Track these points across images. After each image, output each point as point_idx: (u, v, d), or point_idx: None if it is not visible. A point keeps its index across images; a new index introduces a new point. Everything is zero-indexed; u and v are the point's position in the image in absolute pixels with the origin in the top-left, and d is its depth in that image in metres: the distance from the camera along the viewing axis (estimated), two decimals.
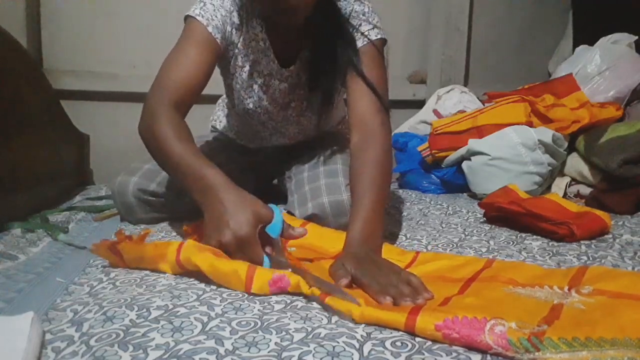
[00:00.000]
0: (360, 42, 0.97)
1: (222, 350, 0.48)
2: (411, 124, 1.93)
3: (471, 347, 0.49)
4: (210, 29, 0.93)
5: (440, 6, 2.14)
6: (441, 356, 0.48)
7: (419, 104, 2.09)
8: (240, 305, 0.60)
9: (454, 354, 0.48)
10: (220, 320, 0.55)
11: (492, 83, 2.20)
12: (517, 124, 1.49)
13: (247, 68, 1.04)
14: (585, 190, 1.41)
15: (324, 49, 0.98)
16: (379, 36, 1.00)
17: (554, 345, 0.46)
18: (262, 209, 0.75)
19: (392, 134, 1.88)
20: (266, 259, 0.71)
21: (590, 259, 0.83)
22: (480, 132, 1.56)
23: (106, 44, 1.84)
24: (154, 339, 0.50)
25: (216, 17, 0.94)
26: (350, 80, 0.95)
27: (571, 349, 0.45)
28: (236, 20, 0.98)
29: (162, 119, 0.85)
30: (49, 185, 1.38)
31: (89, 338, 0.51)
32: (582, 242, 0.94)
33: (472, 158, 1.50)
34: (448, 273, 0.73)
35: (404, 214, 1.25)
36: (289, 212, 1.06)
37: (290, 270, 0.68)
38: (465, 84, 2.18)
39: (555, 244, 0.93)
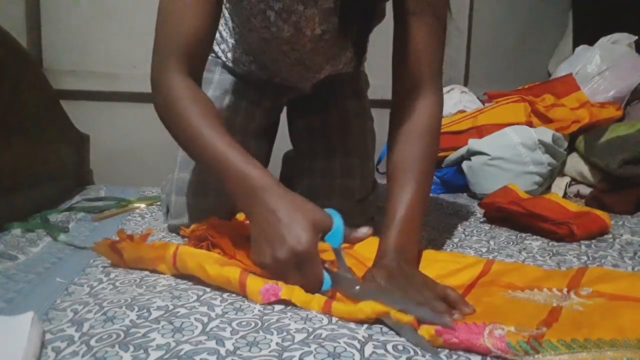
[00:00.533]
0: None
1: (222, 351, 0.48)
2: None
3: (471, 351, 0.49)
4: None
5: None
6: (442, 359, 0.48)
7: None
8: (241, 305, 0.60)
9: (454, 357, 0.48)
10: (221, 320, 0.55)
11: (492, 83, 2.20)
12: (517, 124, 1.50)
13: None
14: (585, 190, 1.41)
15: None
16: None
17: (553, 347, 0.46)
18: (321, 216, 0.62)
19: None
20: (327, 278, 0.61)
21: (590, 259, 0.83)
22: (480, 132, 1.56)
23: (106, 44, 1.84)
24: (154, 339, 0.50)
25: None
26: (411, 19, 0.74)
27: (570, 350, 0.45)
28: None
29: (179, 93, 0.70)
30: (49, 185, 1.38)
31: (90, 338, 0.51)
32: (582, 242, 0.94)
33: (472, 158, 1.50)
34: (447, 279, 0.71)
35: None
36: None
37: (356, 289, 0.59)
38: (465, 84, 2.18)
39: (555, 244, 0.93)
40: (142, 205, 1.27)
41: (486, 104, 1.71)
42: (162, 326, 0.53)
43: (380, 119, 2.25)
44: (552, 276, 0.68)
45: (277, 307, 0.60)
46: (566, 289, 0.62)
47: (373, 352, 0.49)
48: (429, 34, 0.74)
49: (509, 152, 1.42)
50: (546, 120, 1.53)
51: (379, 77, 2.18)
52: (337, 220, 0.63)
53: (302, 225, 0.59)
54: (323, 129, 1.06)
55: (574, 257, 0.84)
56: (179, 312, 0.57)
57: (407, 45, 0.74)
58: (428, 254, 0.81)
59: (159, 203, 1.31)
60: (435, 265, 0.77)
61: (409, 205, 0.70)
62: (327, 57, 0.93)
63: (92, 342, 0.50)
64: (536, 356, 0.45)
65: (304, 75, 0.97)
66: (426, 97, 0.76)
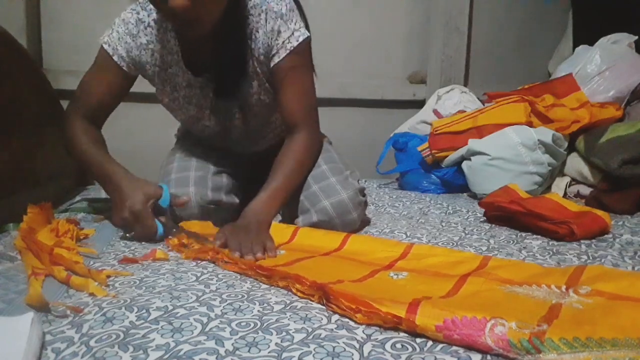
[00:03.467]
0: (282, 53, 0.98)
1: (222, 351, 0.48)
2: (411, 124, 1.92)
3: (471, 348, 0.49)
4: (115, 58, 1.01)
5: (440, 6, 2.14)
6: (442, 358, 0.48)
7: (419, 104, 2.09)
8: (240, 306, 0.60)
9: (455, 356, 0.48)
10: (220, 321, 0.55)
11: (492, 83, 2.20)
12: (517, 124, 1.50)
13: (168, 80, 1.05)
14: (585, 190, 1.41)
15: (231, 58, 1.00)
16: (300, 39, 0.98)
17: (554, 346, 0.45)
18: (152, 188, 0.94)
19: (393, 134, 1.88)
20: (159, 226, 0.92)
21: (590, 258, 0.83)
22: (480, 132, 1.56)
23: None
24: (154, 339, 0.50)
25: (121, 45, 1.01)
26: (276, 86, 1.02)
27: (572, 349, 0.45)
28: (144, 40, 1.01)
29: (75, 128, 1.02)
30: (49, 185, 1.38)
31: (89, 339, 0.51)
32: (582, 241, 0.94)
33: (472, 158, 1.50)
34: (443, 270, 0.72)
35: (404, 212, 1.25)
36: (282, 222, 1.04)
37: (183, 233, 0.90)
38: (465, 84, 2.18)
39: (556, 243, 0.93)
40: None
41: (486, 104, 1.71)
42: (162, 326, 0.53)
43: (380, 119, 2.26)
44: (550, 273, 0.68)
45: (276, 308, 0.60)
46: (565, 287, 0.62)
47: (372, 350, 0.49)
48: (296, 93, 1.01)
49: (509, 152, 1.42)
50: (546, 120, 1.53)
51: (378, 78, 2.20)
52: (165, 191, 0.96)
53: (137, 194, 0.92)
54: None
55: (574, 256, 0.84)
56: (178, 312, 0.57)
57: (282, 103, 1.02)
58: (423, 249, 0.82)
59: None
60: (429, 259, 0.77)
61: (272, 187, 0.96)
62: (246, 132, 1.14)
63: (92, 343, 0.50)
64: (538, 355, 0.45)
65: (247, 148, 1.20)
66: (300, 133, 1.02)
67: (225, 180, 1.09)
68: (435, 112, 1.87)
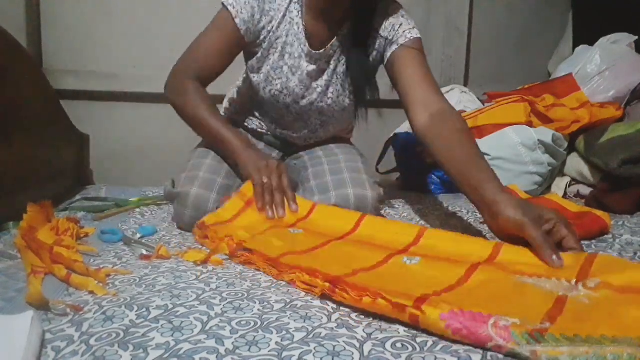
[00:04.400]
0: (403, 39, 1.05)
1: (222, 350, 0.48)
2: None
3: (472, 339, 0.49)
4: (237, 20, 1.03)
5: (440, 6, 2.15)
6: (443, 357, 0.48)
7: None
8: (240, 304, 0.60)
9: (455, 356, 0.48)
10: (220, 319, 0.55)
11: (492, 83, 2.20)
12: (517, 124, 1.50)
13: (278, 49, 1.07)
14: (585, 190, 1.41)
15: (360, 36, 1.05)
16: (419, 35, 1.07)
17: (555, 339, 0.46)
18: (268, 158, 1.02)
19: (393, 134, 1.88)
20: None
21: None
22: (480, 132, 1.56)
23: (106, 44, 1.84)
24: (154, 338, 0.50)
25: (246, 9, 1.03)
26: (401, 69, 1.03)
27: (572, 343, 0.45)
28: (268, 6, 1.04)
29: (189, 83, 1.04)
30: (49, 185, 1.38)
31: (89, 337, 0.51)
32: (582, 242, 0.93)
33: None
34: (455, 256, 0.73)
35: (404, 214, 1.25)
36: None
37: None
38: (465, 84, 2.18)
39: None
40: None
41: (486, 104, 1.71)
42: (162, 325, 0.53)
43: (379, 119, 2.25)
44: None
45: (277, 307, 0.60)
46: (575, 280, 0.62)
47: (372, 350, 0.49)
48: (423, 69, 1.03)
49: (509, 152, 1.42)
50: (546, 120, 1.53)
51: (378, 78, 2.19)
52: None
53: (262, 157, 1.02)
54: (321, 150, 1.23)
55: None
56: (178, 311, 0.57)
57: (413, 80, 1.02)
58: (436, 233, 0.82)
59: (160, 202, 1.32)
60: (442, 244, 0.77)
61: (485, 162, 0.87)
62: (320, 113, 1.17)
63: (92, 342, 0.50)
64: (537, 346, 0.46)
65: (302, 133, 1.21)
66: (445, 106, 0.98)
67: None
68: None
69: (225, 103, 1.33)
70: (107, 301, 0.61)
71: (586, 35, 2.00)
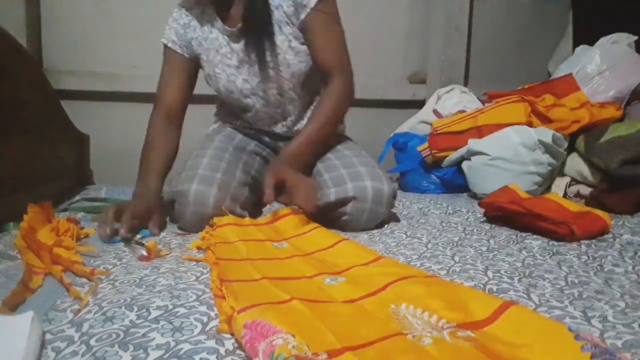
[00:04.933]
0: (312, 3, 1.07)
1: (222, 350, 0.48)
2: (411, 124, 1.93)
3: (248, 349, 0.45)
4: (170, 45, 1.16)
5: (440, 6, 2.14)
6: None
7: (419, 104, 2.09)
8: None
9: None
10: (220, 320, 0.55)
11: (492, 83, 2.20)
12: (517, 124, 1.50)
13: (210, 48, 1.15)
14: (585, 190, 1.41)
15: (257, 8, 1.09)
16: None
17: None
18: (137, 212, 1.02)
19: (393, 133, 1.89)
20: (117, 238, 0.95)
21: (591, 258, 0.83)
22: (480, 132, 1.56)
23: (106, 44, 1.84)
24: (154, 339, 0.50)
25: (171, 32, 1.17)
26: (309, 38, 1.11)
27: None
28: (186, 20, 1.16)
29: (150, 133, 1.17)
30: (49, 185, 1.38)
31: (89, 338, 0.51)
32: (582, 241, 0.94)
33: (472, 158, 1.50)
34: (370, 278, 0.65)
35: (404, 212, 1.25)
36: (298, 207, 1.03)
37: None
38: (465, 84, 2.18)
39: (556, 243, 0.93)
40: None
41: (486, 104, 1.71)
42: (162, 326, 0.53)
43: (380, 119, 2.25)
44: (469, 302, 0.55)
45: None
46: (453, 324, 0.50)
47: None
48: (327, 37, 1.12)
49: (509, 152, 1.42)
50: (546, 120, 1.53)
51: (378, 78, 2.19)
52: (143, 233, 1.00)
53: (128, 207, 1.01)
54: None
55: (574, 256, 0.84)
56: (178, 311, 0.57)
57: (316, 53, 1.12)
58: (386, 262, 0.73)
59: None
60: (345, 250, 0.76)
61: (309, 132, 1.10)
62: (279, 90, 1.18)
63: (92, 342, 0.50)
64: None
65: (282, 125, 1.25)
66: (334, 79, 1.12)
67: (245, 193, 1.11)
68: (435, 112, 1.87)
69: (216, 108, 1.37)
70: (107, 302, 0.61)
71: (586, 35, 2.00)
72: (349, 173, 1.07)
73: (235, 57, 1.14)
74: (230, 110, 1.28)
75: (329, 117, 1.12)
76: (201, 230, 0.97)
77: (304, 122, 1.22)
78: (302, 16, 1.08)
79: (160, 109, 1.16)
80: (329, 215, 1.05)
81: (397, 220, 1.16)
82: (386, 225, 1.10)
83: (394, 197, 1.09)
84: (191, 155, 1.15)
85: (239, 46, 1.13)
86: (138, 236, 0.97)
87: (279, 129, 1.24)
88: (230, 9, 1.12)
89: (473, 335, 0.48)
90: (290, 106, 1.20)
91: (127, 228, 0.95)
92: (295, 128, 1.24)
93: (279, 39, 1.10)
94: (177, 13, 1.17)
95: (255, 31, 1.10)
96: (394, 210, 1.26)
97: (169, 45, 1.16)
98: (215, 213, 1.01)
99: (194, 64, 1.18)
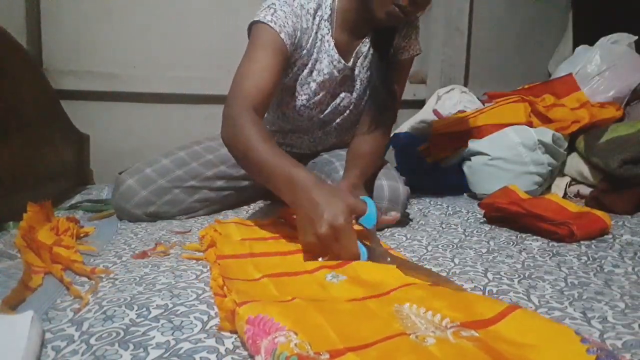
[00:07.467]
0: (406, 55, 1.15)
1: (222, 349, 0.48)
2: (411, 124, 1.92)
3: (249, 344, 0.46)
4: (282, 35, 0.98)
5: (440, 6, 2.14)
6: None
7: (419, 104, 2.08)
8: None
9: None
10: (220, 317, 0.55)
11: (492, 83, 2.20)
12: (517, 124, 1.49)
13: (309, 65, 1.09)
14: (585, 190, 1.41)
15: (382, 48, 1.11)
16: (418, 52, 1.17)
17: None
18: (355, 201, 0.77)
19: (393, 134, 1.88)
20: (363, 249, 0.73)
21: (590, 259, 0.83)
22: (480, 132, 1.56)
23: (106, 44, 1.84)
24: (154, 337, 0.50)
25: (287, 24, 0.99)
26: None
27: None
28: (304, 24, 1.04)
29: (245, 124, 0.87)
30: (49, 185, 1.38)
31: (89, 337, 0.51)
32: (582, 242, 0.94)
33: (472, 158, 1.50)
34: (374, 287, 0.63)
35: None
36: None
37: (388, 260, 0.71)
38: (465, 84, 2.18)
39: (556, 244, 0.93)
40: None
41: (486, 104, 1.71)
42: (162, 324, 0.53)
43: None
44: (475, 305, 0.54)
45: None
46: (456, 323, 0.50)
47: None
48: (400, 86, 1.17)
49: (509, 152, 1.42)
50: (546, 120, 1.53)
51: None
52: (371, 206, 0.77)
53: (338, 206, 0.72)
54: (332, 156, 1.26)
55: (574, 257, 0.84)
56: (178, 310, 0.57)
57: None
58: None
59: None
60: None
61: (357, 174, 1.04)
62: (342, 118, 1.21)
63: (92, 341, 0.50)
64: None
65: (321, 139, 1.26)
66: (383, 129, 1.16)
67: (191, 199, 1.17)
68: (435, 112, 1.87)
69: None
70: (107, 301, 0.61)
71: (586, 35, 2.00)
72: None
73: (327, 87, 1.14)
74: (274, 116, 1.23)
75: (378, 159, 1.14)
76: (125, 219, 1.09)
77: (330, 138, 1.26)
78: (398, 57, 1.13)
79: (255, 102, 0.92)
80: None
81: (396, 222, 1.16)
82: (386, 228, 1.10)
83: (408, 198, 1.10)
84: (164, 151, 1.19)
85: (336, 79, 1.13)
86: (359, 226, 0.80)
87: (306, 148, 1.28)
88: (347, 39, 1.11)
89: (477, 334, 0.48)
90: (332, 137, 1.26)
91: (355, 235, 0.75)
92: (318, 147, 1.28)
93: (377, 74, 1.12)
94: (298, 9, 1.02)
95: (359, 67, 1.14)
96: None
97: (281, 35, 0.98)
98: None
99: (287, 60, 1.04)
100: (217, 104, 1.39)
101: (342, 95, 1.17)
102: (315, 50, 1.08)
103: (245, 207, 1.30)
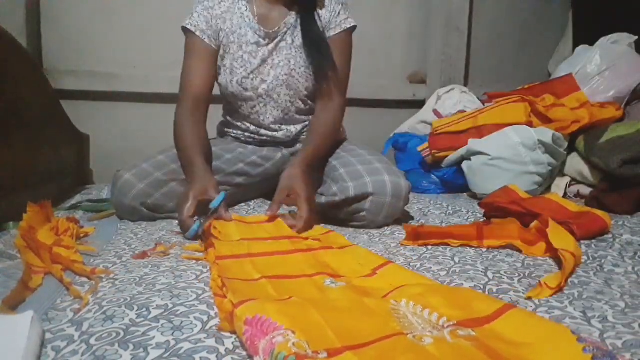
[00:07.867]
0: (338, 29, 1.19)
1: (222, 350, 0.48)
2: (411, 124, 1.93)
3: (247, 344, 0.46)
4: (198, 33, 1.15)
5: (440, 6, 2.15)
6: None
7: (419, 104, 2.09)
8: None
9: None
10: (220, 318, 0.55)
11: (492, 83, 2.20)
12: (517, 124, 1.50)
13: (235, 42, 1.18)
14: (585, 190, 1.41)
15: (307, 19, 1.17)
16: (352, 24, 1.21)
17: None
18: (204, 189, 0.99)
19: (393, 134, 1.89)
20: (196, 224, 0.94)
21: (591, 259, 0.83)
22: (480, 132, 1.56)
23: (106, 44, 1.84)
24: (154, 337, 0.50)
25: (200, 21, 1.16)
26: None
27: None
28: (218, 11, 1.17)
29: (179, 124, 1.14)
30: (49, 185, 1.38)
31: (89, 337, 0.51)
32: (582, 242, 0.94)
33: (472, 158, 1.50)
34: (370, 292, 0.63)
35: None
36: (321, 194, 1.12)
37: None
38: (465, 84, 2.18)
39: None
40: None
41: (486, 104, 1.71)
42: (162, 325, 0.53)
43: (380, 119, 2.25)
44: (473, 303, 0.54)
45: None
46: (454, 322, 0.50)
47: None
48: (339, 65, 1.19)
49: (509, 152, 1.42)
50: (546, 120, 1.53)
51: (378, 78, 2.19)
52: (220, 197, 0.98)
53: (191, 186, 1.00)
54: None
55: None
56: (178, 310, 0.57)
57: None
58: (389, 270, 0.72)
59: None
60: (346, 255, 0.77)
61: (316, 144, 1.14)
62: (288, 87, 1.22)
63: (92, 341, 0.50)
64: None
65: (275, 114, 1.26)
66: (334, 102, 1.20)
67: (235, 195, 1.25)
68: (435, 112, 1.87)
69: (221, 117, 1.39)
70: (107, 301, 0.61)
71: (586, 35, 2.00)
72: (365, 169, 1.08)
73: (260, 56, 1.18)
74: (234, 111, 1.28)
75: (332, 131, 1.19)
76: (126, 217, 1.12)
77: (291, 114, 1.27)
78: (331, 33, 1.18)
79: (188, 99, 1.14)
80: (344, 211, 1.07)
81: (398, 221, 1.16)
82: (386, 226, 1.10)
83: (409, 193, 1.10)
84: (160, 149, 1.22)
85: (266, 48, 1.18)
86: (211, 208, 0.98)
87: (281, 134, 1.29)
88: (269, 13, 1.18)
89: (474, 334, 0.48)
90: (296, 114, 1.26)
91: (193, 209, 0.96)
92: (290, 129, 1.29)
93: (310, 40, 1.16)
94: (210, 2, 1.17)
95: (291, 36, 1.18)
96: None
97: (197, 33, 1.15)
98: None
99: (217, 55, 1.19)
100: (216, 104, 1.40)
101: (279, 62, 1.20)
102: (237, 28, 1.18)
103: (246, 207, 1.30)
